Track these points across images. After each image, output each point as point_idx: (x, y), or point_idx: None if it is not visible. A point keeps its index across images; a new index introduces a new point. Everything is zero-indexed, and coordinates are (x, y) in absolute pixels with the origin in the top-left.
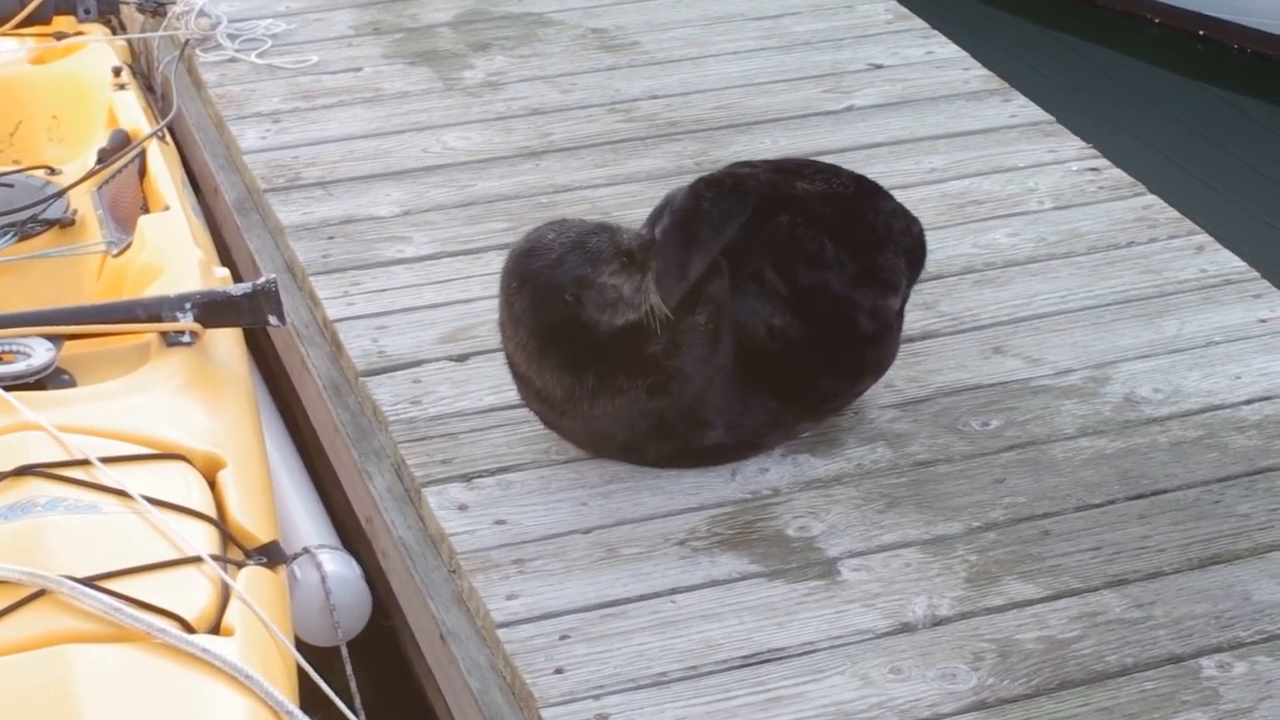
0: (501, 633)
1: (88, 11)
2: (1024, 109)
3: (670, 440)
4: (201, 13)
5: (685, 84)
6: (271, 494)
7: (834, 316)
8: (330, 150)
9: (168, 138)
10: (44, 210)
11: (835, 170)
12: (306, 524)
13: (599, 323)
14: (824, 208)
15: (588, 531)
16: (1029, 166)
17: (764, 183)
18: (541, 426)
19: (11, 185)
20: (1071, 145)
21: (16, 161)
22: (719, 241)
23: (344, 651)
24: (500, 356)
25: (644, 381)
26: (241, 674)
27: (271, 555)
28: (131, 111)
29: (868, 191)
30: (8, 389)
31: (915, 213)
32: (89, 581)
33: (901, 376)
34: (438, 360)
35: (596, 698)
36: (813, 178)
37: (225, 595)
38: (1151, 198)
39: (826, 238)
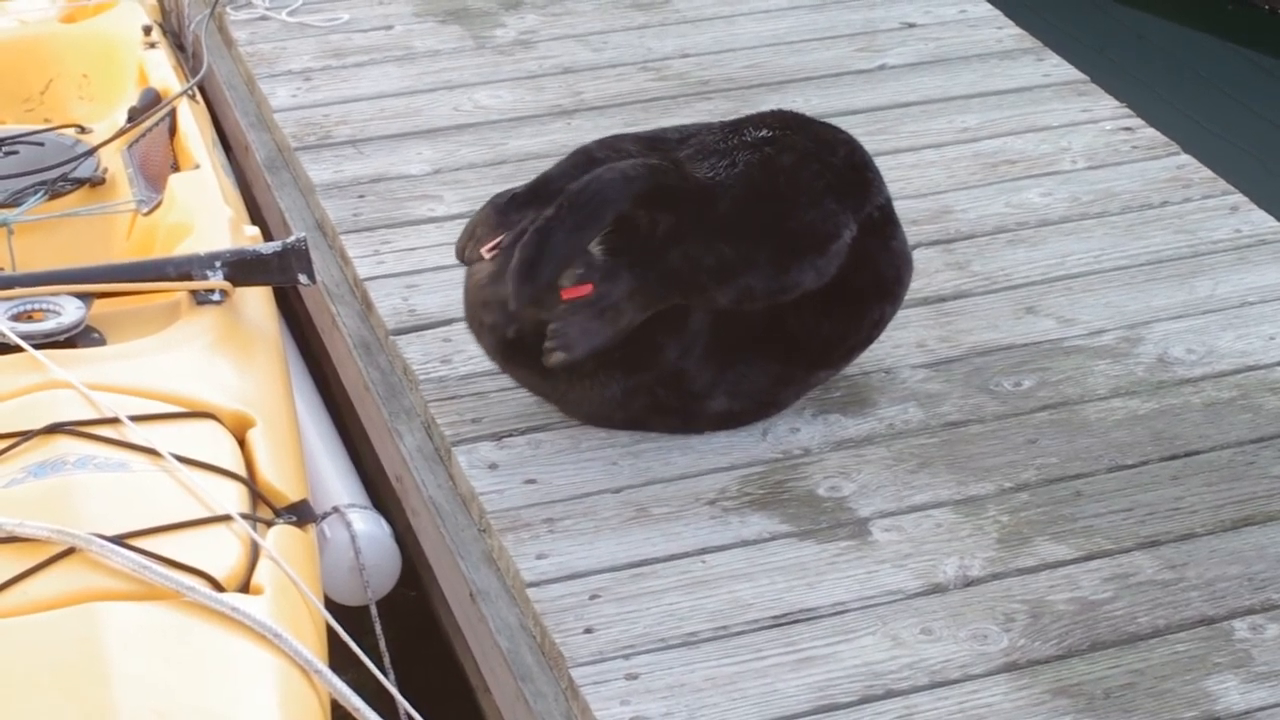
0: (531, 592)
1: None
2: (1057, 68)
3: (671, 415)
4: None
5: (717, 42)
6: (301, 453)
7: (780, 301)
8: (361, 108)
9: (198, 96)
10: (74, 169)
11: (731, 150)
12: (336, 483)
13: (524, 333)
14: (708, 209)
15: (618, 491)
16: (1062, 126)
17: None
18: None
19: (42, 144)
20: (1105, 105)
21: (47, 120)
22: (574, 250)
23: (373, 611)
24: None
25: (618, 353)
26: (271, 632)
27: (301, 514)
28: (162, 70)
29: (766, 159)
30: (38, 347)
31: (948, 172)
32: (118, 539)
33: (933, 336)
34: None
35: (626, 657)
36: (703, 162)
37: (255, 554)
38: (1185, 157)
39: (721, 242)
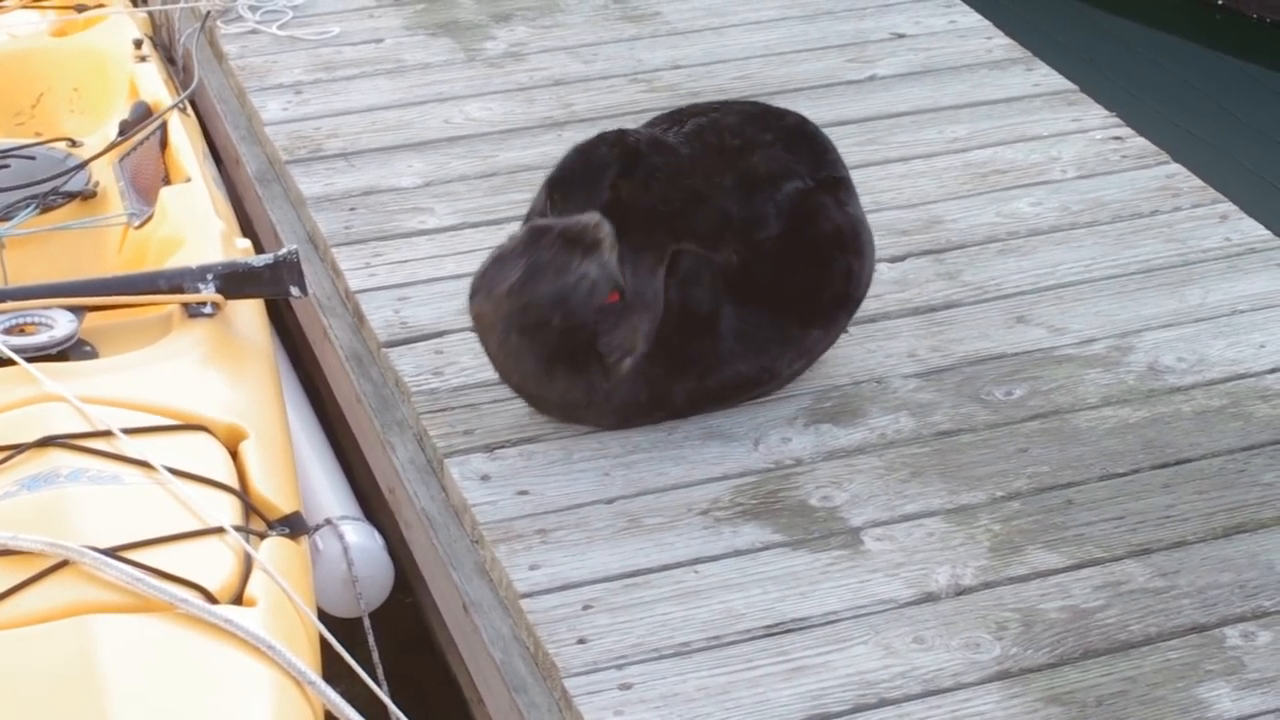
0: (524, 603)
1: None
2: (1047, 78)
3: (690, 372)
4: None
5: (707, 54)
6: (294, 465)
7: (749, 232)
8: (352, 121)
9: (189, 109)
10: (65, 182)
11: (681, 116)
12: (329, 495)
13: (588, 317)
14: (669, 157)
15: (610, 501)
16: (1052, 135)
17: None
18: None
19: (33, 157)
20: (1095, 114)
21: (38, 134)
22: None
23: (366, 622)
24: None
25: None
26: (264, 644)
27: (294, 526)
28: (153, 83)
29: (712, 121)
30: (30, 360)
31: (938, 182)
32: (111, 552)
33: (924, 346)
34: (460, 331)
35: (619, 667)
36: (654, 127)
37: (248, 566)
38: (1175, 166)
39: (685, 179)
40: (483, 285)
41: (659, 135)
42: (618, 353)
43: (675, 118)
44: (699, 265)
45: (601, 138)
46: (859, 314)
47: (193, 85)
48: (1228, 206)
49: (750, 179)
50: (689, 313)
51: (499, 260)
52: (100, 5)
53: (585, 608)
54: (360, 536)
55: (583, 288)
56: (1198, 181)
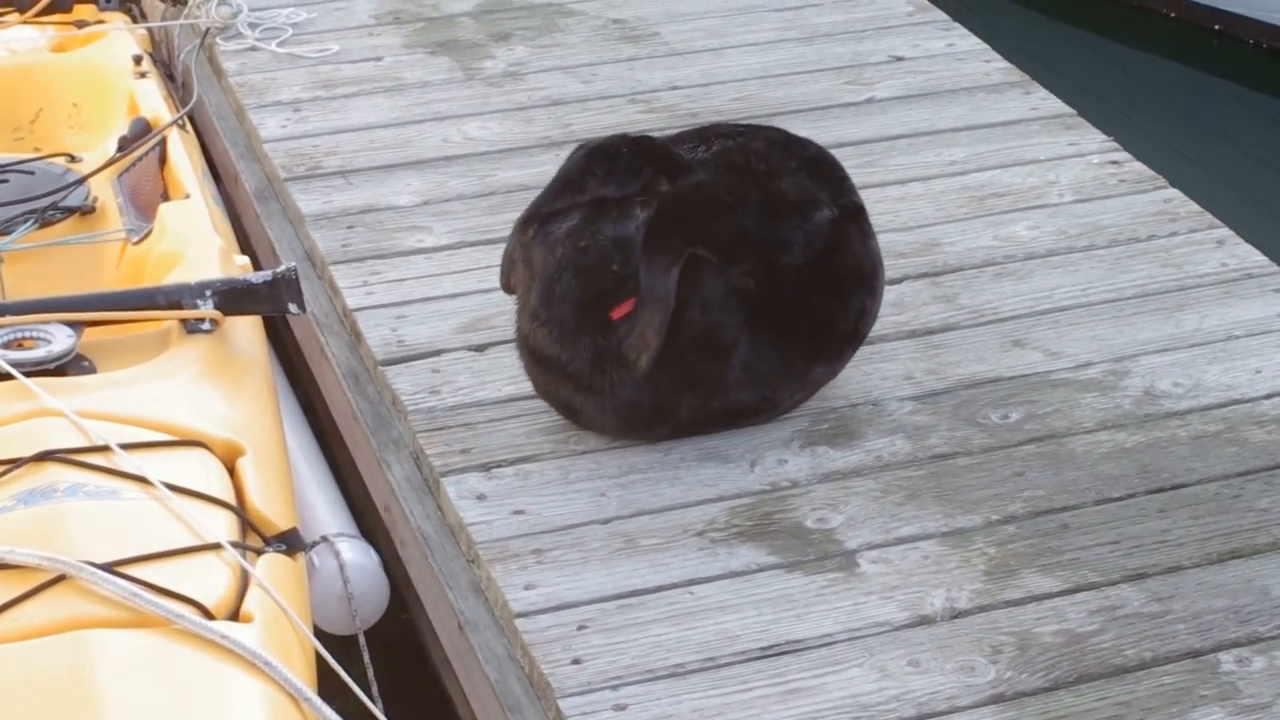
0: (519, 622)
1: (108, 0)
2: (1044, 102)
3: (696, 389)
4: (222, 1)
5: (705, 75)
6: (290, 482)
7: (768, 254)
8: (350, 139)
9: (188, 126)
10: (64, 198)
11: (707, 137)
12: (325, 512)
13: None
14: (691, 174)
15: (606, 522)
16: (1050, 159)
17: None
18: (561, 416)
19: (32, 172)
20: (1092, 138)
21: (37, 149)
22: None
23: (362, 640)
24: None
25: None
26: (260, 660)
27: (290, 543)
28: (152, 100)
29: (740, 145)
30: (28, 375)
31: (936, 205)
32: (108, 567)
33: (921, 369)
34: (457, 350)
35: (614, 688)
36: (680, 146)
37: (244, 582)
38: (1172, 191)
39: (709, 189)
40: (539, 229)
41: (684, 155)
42: (634, 351)
43: (702, 136)
44: (726, 291)
45: (663, 141)
46: None
47: (192, 102)
48: (1224, 232)
49: (777, 203)
50: (711, 336)
51: (553, 199)
52: (100, 21)
53: (580, 628)
54: (356, 554)
55: (641, 236)
56: (1194, 206)
